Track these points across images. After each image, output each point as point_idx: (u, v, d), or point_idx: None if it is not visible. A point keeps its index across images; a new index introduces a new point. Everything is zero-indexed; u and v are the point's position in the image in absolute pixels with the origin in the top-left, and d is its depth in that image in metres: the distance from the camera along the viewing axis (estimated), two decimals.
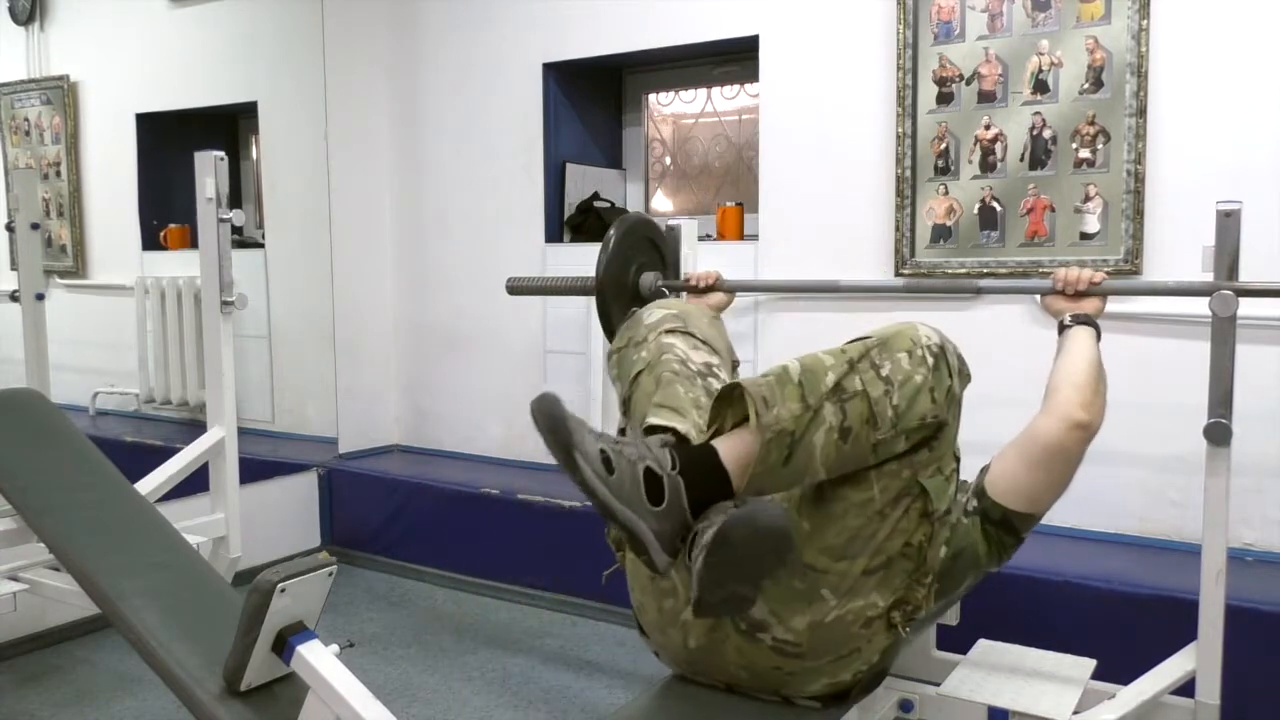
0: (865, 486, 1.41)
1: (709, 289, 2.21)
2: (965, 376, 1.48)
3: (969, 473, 1.64)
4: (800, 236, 2.87)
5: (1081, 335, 1.71)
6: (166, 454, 2.55)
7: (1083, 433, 1.56)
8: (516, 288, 2.40)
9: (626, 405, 1.69)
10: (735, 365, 1.86)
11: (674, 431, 1.46)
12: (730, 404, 1.40)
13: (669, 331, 1.72)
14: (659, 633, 1.64)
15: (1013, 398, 2.35)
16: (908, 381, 1.37)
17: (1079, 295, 1.79)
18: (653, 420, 1.51)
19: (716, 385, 1.62)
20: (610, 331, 2.05)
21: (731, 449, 1.35)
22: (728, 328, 1.99)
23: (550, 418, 1.32)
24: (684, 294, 2.28)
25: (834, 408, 1.34)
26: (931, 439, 1.42)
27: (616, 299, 2.06)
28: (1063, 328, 1.76)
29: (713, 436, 1.41)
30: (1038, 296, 2.51)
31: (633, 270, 2.10)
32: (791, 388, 1.35)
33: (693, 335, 1.74)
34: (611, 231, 2.05)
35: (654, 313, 1.79)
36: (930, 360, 1.40)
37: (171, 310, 3.93)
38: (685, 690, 1.67)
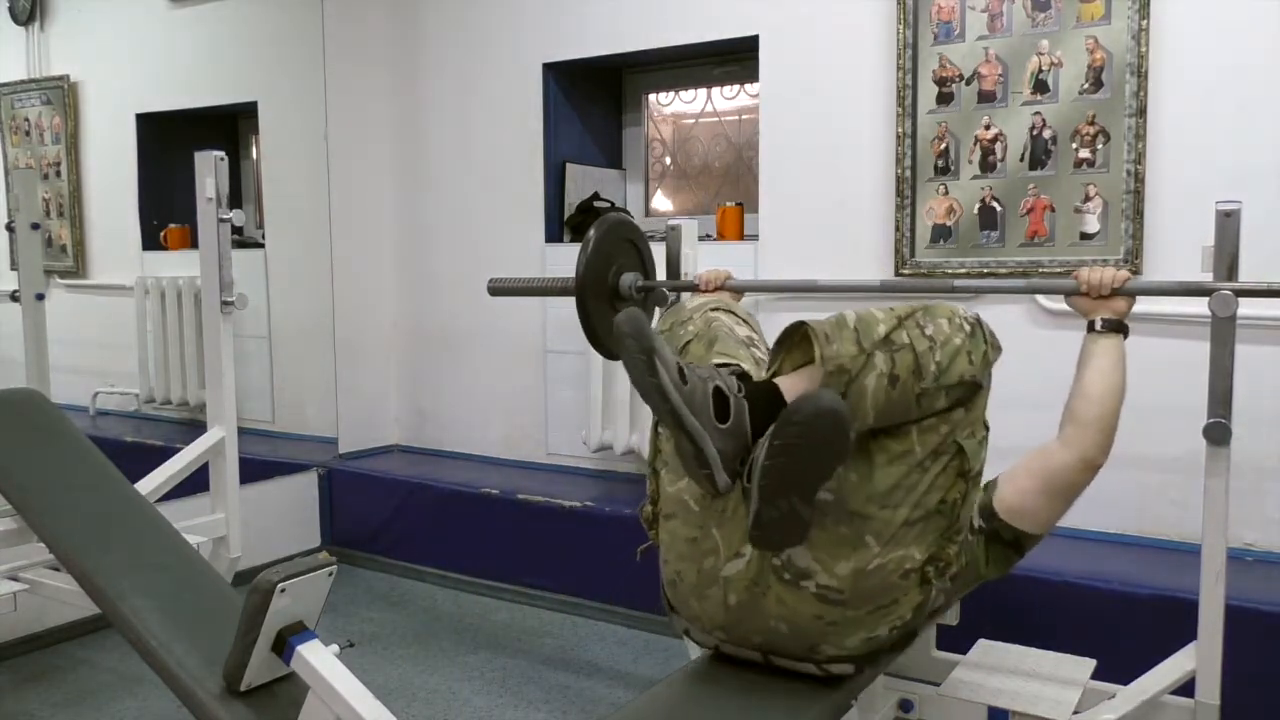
0: (906, 438, 1.50)
1: (717, 291, 2.20)
2: (997, 348, 1.58)
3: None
4: (800, 236, 2.87)
5: (1112, 349, 1.68)
6: (166, 454, 2.55)
7: (1098, 471, 1.63)
8: (498, 289, 2.40)
9: None
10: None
11: (739, 368, 1.56)
12: (790, 347, 1.55)
13: (714, 309, 1.82)
14: (696, 599, 1.65)
15: (1013, 398, 2.35)
16: (948, 342, 1.48)
17: (1104, 295, 1.73)
18: (717, 362, 1.61)
19: (760, 354, 1.73)
20: (590, 331, 2.06)
21: (794, 385, 1.48)
22: None
23: (635, 325, 1.40)
24: (680, 295, 2.28)
25: (884, 356, 1.45)
26: (968, 399, 1.52)
27: (596, 299, 2.07)
28: (1091, 328, 1.72)
29: (773, 377, 1.53)
30: (1038, 296, 2.53)
31: (612, 271, 2.11)
32: (848, 331, 1.47)
33: (735, 314, 1.86)
34: (591, 233, 2.06)
35: (695, 299, 1.90)
36: (967, 328, 1.52)
37: (171, 310, 3.93)
38: (705, 674, 1.68)
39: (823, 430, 1.32)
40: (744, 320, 1.86)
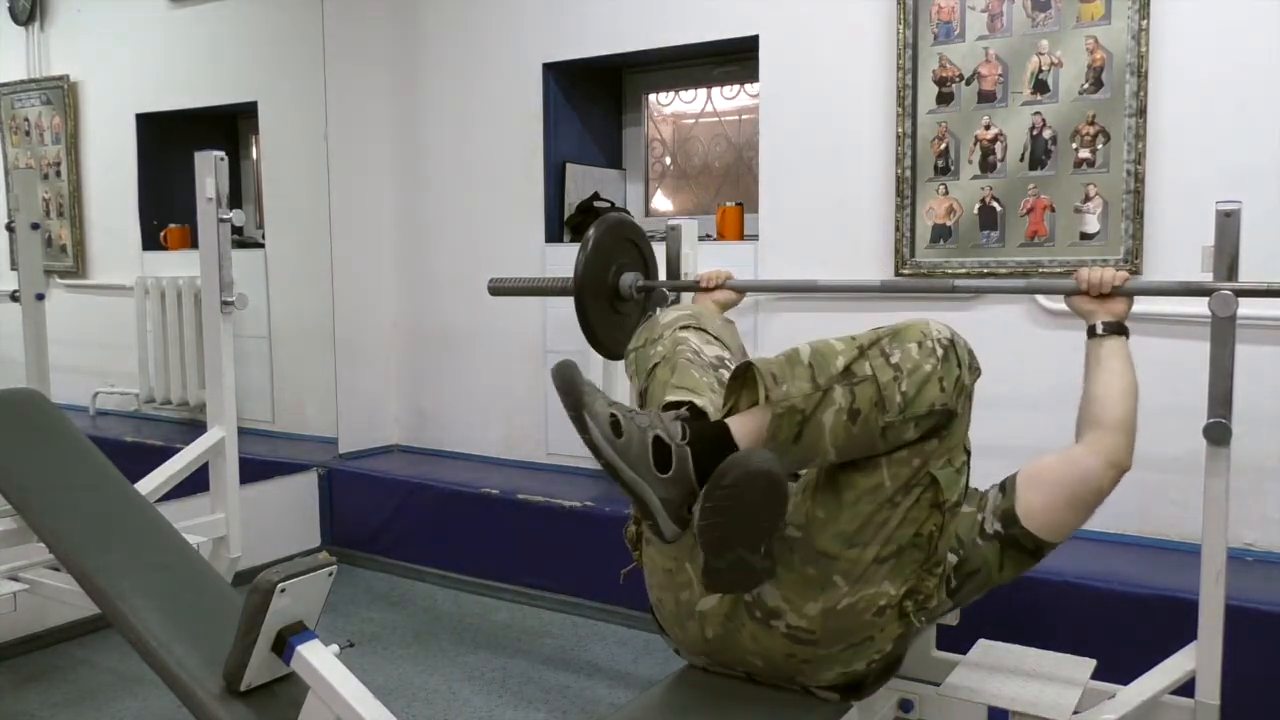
0: (875, 473, 1.44)
1: (716, 289, 2.20)
2: (975, 370, 1.49)
3: (978, 478, 1.62)
4: (800, 236, 2.87)
5: (1119, 351, 1.68)
6: (166, 454, 2.55)
7: (1124, 475, 1.61)
8: (498, 289, 2.41)
9: (643, 399, 1.72)
10: None
11: (692, 405, 1.50)
12: (744, 385, 1.45)
13: (683, 328, 1.77)
14: (678, 627, 1.66)
15: (1013, 397, 2.35)
16: (916, 370, 1.39)
17: (1104, 295, 1.74)
18: (670, 398, 1.55)
19: (727, 376, 1.66)
20: (589, 332, 2.05)
21: (743, 425, 1.40)
22: None
23: (565, 379, 1.37)
24: (681, 294, 2.28)
25: (843, 390, 1.38)
26: (941, 428, 1.43)
27: (596, 299, 2.06)
28: (1093, 333, 1.73)
29: (727, 416, 1.45)
30: (1038, 296, 2.53)
31: (612, 271, 2.10)
32: (802, 368, 1.40)
33: (705, 331, 1.79)
34: (591, 232, 2.05)
35: (669, 313, 1.84)
36: (940, 351, 1.41)
37: (171, 310, 3.93)
38: (701, 678, 1.68)
39: (753, 493, 1.29)
40: (715, 338, 1.78)
